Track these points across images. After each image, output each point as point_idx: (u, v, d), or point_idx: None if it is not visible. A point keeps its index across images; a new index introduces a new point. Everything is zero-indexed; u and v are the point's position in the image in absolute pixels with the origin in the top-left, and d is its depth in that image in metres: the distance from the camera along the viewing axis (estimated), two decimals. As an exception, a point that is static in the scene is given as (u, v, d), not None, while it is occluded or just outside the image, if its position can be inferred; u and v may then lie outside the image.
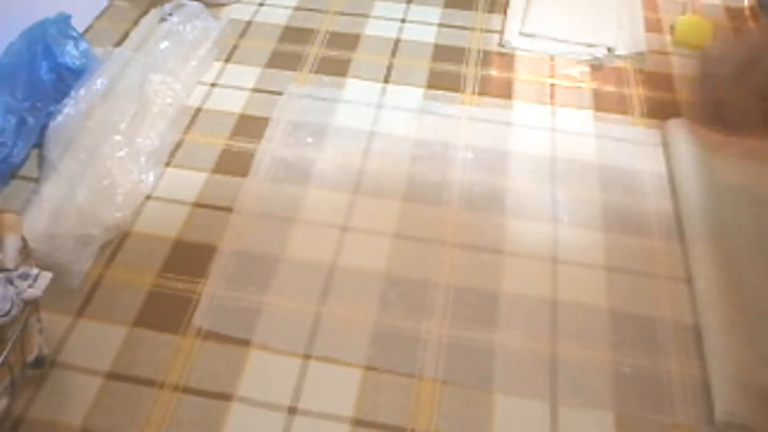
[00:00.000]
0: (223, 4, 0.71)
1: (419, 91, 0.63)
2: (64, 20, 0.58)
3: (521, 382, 0.43)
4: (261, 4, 0.72)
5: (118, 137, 0.53)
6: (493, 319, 0.46)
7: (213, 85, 0.63)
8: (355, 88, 0.63)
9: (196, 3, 0.67)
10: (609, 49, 0.67)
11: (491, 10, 0.72)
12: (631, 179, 0.55)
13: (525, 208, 0.53)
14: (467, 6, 0.73)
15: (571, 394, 0.42)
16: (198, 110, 0.60)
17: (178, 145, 0.57)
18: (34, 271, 0.39)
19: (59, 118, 0.54)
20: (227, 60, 0.65)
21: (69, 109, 0.54)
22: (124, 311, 0.45)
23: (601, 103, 0.62)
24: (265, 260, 0.49)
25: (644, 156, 0.57)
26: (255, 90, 0.62)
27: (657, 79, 0.64)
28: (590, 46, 0.67)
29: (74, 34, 0.59)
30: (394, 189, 0.54)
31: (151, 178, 0.53)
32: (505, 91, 0.63)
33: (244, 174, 0.54)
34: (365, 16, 0.71)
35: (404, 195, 0.53)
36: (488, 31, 0.70)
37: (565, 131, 0.59)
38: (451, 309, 0.46)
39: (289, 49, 0.67)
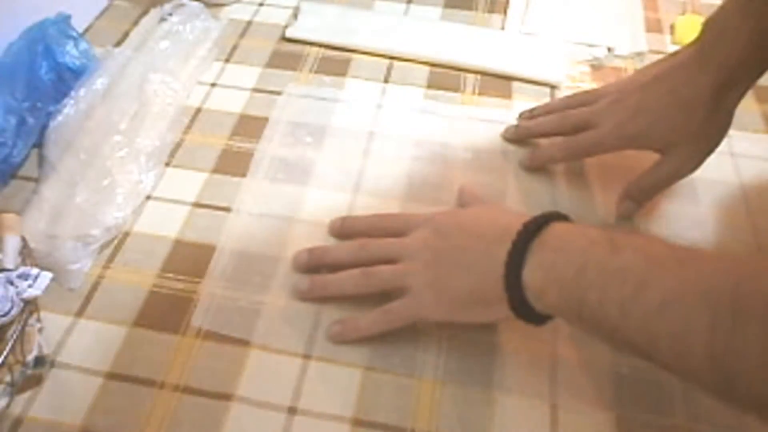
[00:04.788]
0: (223, 4, 0.71)
1: (419, 91, 0.63)
2: (64, 20, 0.58)
3: (521, 382, 0.43)
4: (261, 4, 0.72)
5: (118, 137, 0.53)
6: (493, 319, 0.46)
7: (213, 85, 0.63)
8: (355, 88, 0.63)
9: (196, 3, 0.67)
10: (609, 49, 0.67)
11: (491, 10, 0.72)
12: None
13: (525, 208, 0.52)
14: (467, 6, 0.73)
15: (571, 395, 0.42)
16: (198, 110, 0.60)
17: (178, 145, 0.57)
18: (34, 271, 0.39)
19: (59, 118, 0.54)
20: (227, 60, 0.65)
21: (69, 109, 0.54)
22: (124, 311, 0.45)
23: (601, 103, 0.62)
24: (265, 260, 0.49)
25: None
26: (255, 90, 0.62)
27: (657, 79, 0.64)
28: (590, 46, 0.67)
29: (74, 34, 0.59)
30: (394, 189, 0.54)
31: (151, 178, 0.53)
32: (505, 91, 0.63)
33: (243, 174, 0.54)
34: (365, 16, 0.71)
35: (404, 195, 0.53)
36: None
37: (565, 131, 0.59)
38: (451, 309, 0.46)
39: (289, 49, 0.67)
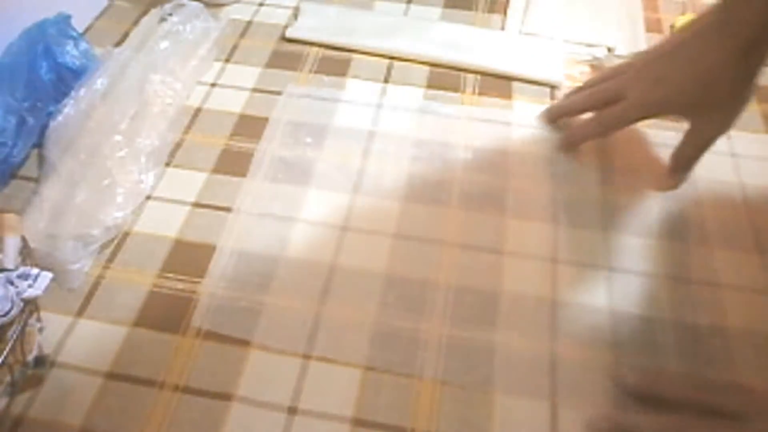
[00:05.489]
0: (223, 4, 0.71)
1: (419, 91, 0.63)
2: (64, 20, 0.58)
3: (521, 382, 0.43)
4: (261, 4, 0.72)
5: (118, 137, 0.53)
6: (493, 319, 0.46)
7: (213, 85, 0.63)
8: (355, 88, 0.63)
9: (196, 3, 0.67)
10: (609, 49, 0.67)
11: (491, 10, 0.72)
12: (630, 178, 0.55)
13: (525, 208, 0.53)
14: (467, 6, 0.73)
15: (571, 394, 0.42)
16: (198, 110, 0.60)
17: (178, 145, 0.57)
18: (34, 271, 0.39)
19: (59, 118, 0.54)
20: (227, 60, 0.65)
21: (69, 109, 0.54)
22: (124, 311, 0.45)
23: (601, 103, 0.62)
24: (265, 260, 0.49)
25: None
26: (255, 90, 0.62)
27: (657, 79, 0.64)
28: (590, 46, 0.67)
29: (74, 34, 0.59)
30: (394, 189, 0.54)
31: (151, 178, 0.53)
32: (505, 91, 0.63)
33: (243, 174, 0.54)
34: (365, 16, 0.71)
35: (404, 195, 0.53)
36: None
37: (565, 131, 0.59)
38: (451, 309, 0.46)
39: (289, 49, 0.67)
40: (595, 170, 0.55)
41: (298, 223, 0.51)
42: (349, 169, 0.55)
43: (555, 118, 0.58)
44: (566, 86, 0.63)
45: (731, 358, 0.44)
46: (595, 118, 0.54)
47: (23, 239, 0.40)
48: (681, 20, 0.70)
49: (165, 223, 0.51)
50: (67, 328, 0.44)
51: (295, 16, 0.70)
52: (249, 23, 0.70)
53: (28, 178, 0.54)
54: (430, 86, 0.63)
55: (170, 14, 0.65)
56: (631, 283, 0.48)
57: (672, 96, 0.49)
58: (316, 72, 0.64)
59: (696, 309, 0.46)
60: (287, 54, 0.66)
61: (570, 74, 0.65)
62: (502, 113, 0.60)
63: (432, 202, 0.53)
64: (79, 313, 0.45)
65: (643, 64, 0.52)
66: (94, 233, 0.48)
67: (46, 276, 0.39)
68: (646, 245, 0.50)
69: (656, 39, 0.69)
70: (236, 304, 0.46)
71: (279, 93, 0.62)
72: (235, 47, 0.67)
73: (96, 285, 0.47)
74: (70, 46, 0.57)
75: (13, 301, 0.37)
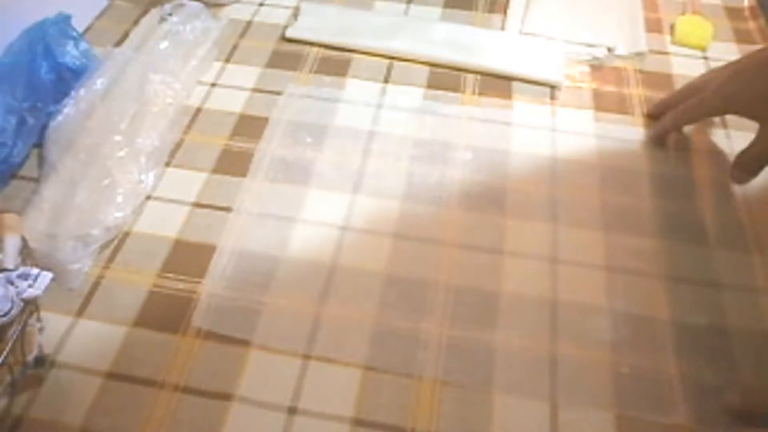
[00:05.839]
0: (223, 4, 0.71)
1: (419, 91, 0.63)
2: (64, 20, 0.58)
3: (521, 382, 0.43)
4: (261, 4, 0.72)
5: (118, 137, 0.53)
6: (493, 319, 0.46)
7: (213, 85, 0.63)
8: (355, 88, 0.63)
9: (196, 3, 0.67)
10: (609, 49, 0.67)
11: (491, 10, 0.72)
12: (631, 179, 0.55)
13: (525, 208, 0.53)
14: (467, 6, 0.73)
15: (571, 394, 0.42)
16: (198, 110, 0.60)
17: (178, 145, 0.57)
18: (34, 271, 0.39)
19: (59, 118, 0.54)
20: (227, 60, 0.65)
21: (69, 109, 0.55)
22: (124, 311, 0.45)
23: (601, 103, 0.62)
24: (265, 260, 0.49)
25: (644, 156, 0.57)
26: (255, 90, 0.62)
27: (657, 79, 0.64)
28: (590, 46, 0.67)
29: (74, 34, 0.59)
30: (394, 189, 0.54)
31: (151, 178, 0.53)
32: (505, 91, 0.63)
33: (243, 174, 0.55)
34: (365, 16, 0.71)
35: (404, 195, 0.53)
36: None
37: (565, 131, 0.59)
38: (451, 309, 0.46)
39: (289, 49, 0.67)
40: (595, 170, 0.55)
41: (298, 223, 0.51)
42: (349, 169, 0.55)
43: (656, 113, 0.60)
44: (566, 86, 0.63)
45: (731, 358, 0.44)
46: (673, 110, 0.56)
47: (23, 239, 0.40)
48: (681, 20, 0.70)
49: (165, 223, 0.51)
50: (67, 328, 0.44)
51: (295, 16, 0.70)
52: (249, 23, 0.70)
53: (28, 178, 0.54)
54: (430, 86, 0.63)
55: (170, 14, 0.65)
56: (631, 283, 0.48)
57: (741, 92, 0.51)
58: (316, 72, 0.64)
59: (696, 309, 0.46)
60: (287, 54, 0.66)
61: (570, 74, 0.65)
62: (502, 113, 0.60)
63: (432, 202, 0.53)
64: (79, 313, 0.45)
65: (734, 61, 0.54)
66: (94, 233, 0.48)
67: (46, 276, 0.39)
68: (646, 245, 0.50)
69: (656, 39, 0.69)
70: (236, 304, 0.46)
71: (279, 93, 0.62)
72: (235, 47, 0.67)
73: (96, 285, 0.47)
74: (70, 46, 0.57)
75: (13, 301, 0.37)
